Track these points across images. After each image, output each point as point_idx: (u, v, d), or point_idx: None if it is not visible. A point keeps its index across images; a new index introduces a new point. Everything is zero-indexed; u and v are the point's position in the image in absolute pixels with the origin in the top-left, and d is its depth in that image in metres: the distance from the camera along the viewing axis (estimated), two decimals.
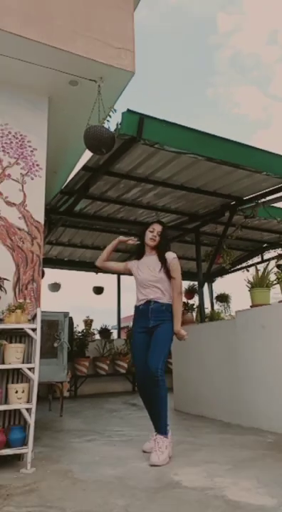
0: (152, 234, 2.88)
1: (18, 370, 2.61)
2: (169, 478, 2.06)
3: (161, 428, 2.57)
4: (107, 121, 3.03)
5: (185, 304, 5.76)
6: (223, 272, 7.68)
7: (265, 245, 7.22)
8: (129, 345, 6.73)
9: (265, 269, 3.82)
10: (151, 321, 2.76)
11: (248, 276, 3.87)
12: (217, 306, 7.51)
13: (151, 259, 2.89)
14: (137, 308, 2.90)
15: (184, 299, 6.54)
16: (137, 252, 3.04)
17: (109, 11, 3.18)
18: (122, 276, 8.12)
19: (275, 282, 3.76)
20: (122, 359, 6.63)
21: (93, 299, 8.40)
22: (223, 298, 7.53)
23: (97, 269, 7.86)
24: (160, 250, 2.89)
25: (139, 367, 2.79)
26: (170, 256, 2.85)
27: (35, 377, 2.40)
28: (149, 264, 2.87)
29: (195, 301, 6.02)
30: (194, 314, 5.66)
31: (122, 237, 3.08)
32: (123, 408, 4.76)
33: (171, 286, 2.82)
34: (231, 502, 1.72)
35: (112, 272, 3.02)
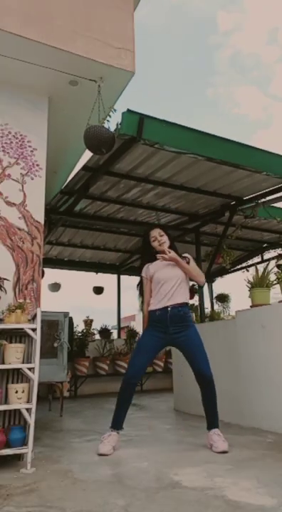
0: (157, 241, 2.91)
1: (18, 370, 2.61)
2: (169, 478, 2.06)
3: (217, 422, 2.73)
4: (107, 121, 3.03)
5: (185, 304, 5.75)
6: (223, 271, 7.68)
7: (265, 245, 7.22)
8: (130, 345, 6.73)
9: (265, 269, 3.82)
10: (170, 328, 2.75)
11: (248, 276, 3.87)
12: (217, 306, 7.52)
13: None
14: (152, 313, 2.83)
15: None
16: (147, 255, 3.00)
17: (109, 11, 3.18)
18: (122, 276, 8.13)
19: (275, 282, 3.75)
20: (122, 359, 6.63)
21: (93, 299, 8.41)
22: (223, 298, 7.53)
23: (97, 269, 7.92)
24: (172, 248, 2.93)
25: (135, 366, 2.77)
26: (188, 255, 2.96)
27: (35, 377, 2.40)
28: (166, 264, 2.87)
29: (195, 301, 6.02)
30: (194, 314, 5.66)
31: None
32: None
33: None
34: (231, 502, 1.72)
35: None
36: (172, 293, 2.80)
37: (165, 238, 2.93)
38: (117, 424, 2.74)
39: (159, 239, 2.92)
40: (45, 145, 3.16)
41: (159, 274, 2.86)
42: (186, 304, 2.86)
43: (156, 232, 2.95)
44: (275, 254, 6.84)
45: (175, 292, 2.81)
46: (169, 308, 2.77)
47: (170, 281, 2.82)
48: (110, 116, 3.06)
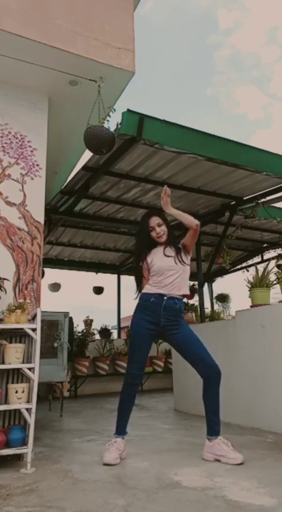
0: (155, 232, 2.67)
1: (18, 370, 2.61)
2: (169, 478, 2.06)
3: (220, 429, 2.47)
4: (107, 121, 3.03)
5: (185, 304, 5.76)
6: (223, 271, 7.69)
7: (265, 245, 7.22)
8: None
9: (265, 269, 3.82)
10: (162, 319, 2.54)
11: (248, 276, 3.87)
12: (217, 306, 7.52)
13: (166, 248, 2.69)
14: (146, 297, 2.60)
15: (184, 299, 6.53)
16: (147, 246, 2.73)
17: (109, 11, 3.18)
18: (122, 276, 8.13)
19: (275, 282, 3.75)
20: (122, 359, 6.63)
21: (93, 299, 8.40)
22: (223, 298, 7.54)
23: (97, 269, 7.92)
24: (170, 237, 2.72)
25: (136, 363, 2.55)
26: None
27: (35, 377, 2.40)
28: (164, 252, 2.66)
29: (195, 301, 6.03)
30: (194, 314, 5.66)
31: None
32: None
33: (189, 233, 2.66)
34: (231, 502, 1.72)
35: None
36: (172, 283, 2.59)
37: (164, 228, 2.68)
38: (121, 430, 2.55)
39: (158, 230, 2.67)
40: (45, 145, 3.16)
41: (159, 263, 2.62)
42: (181, 300, 2.66)
43: (154, 222, 2.68)
44: (275, 254, 6.84)
45: (175, 283, 2.60)
46: (165, 298, 2.56)
47: (171, 271, 2.60)
48: (109, 116, 3.06)
